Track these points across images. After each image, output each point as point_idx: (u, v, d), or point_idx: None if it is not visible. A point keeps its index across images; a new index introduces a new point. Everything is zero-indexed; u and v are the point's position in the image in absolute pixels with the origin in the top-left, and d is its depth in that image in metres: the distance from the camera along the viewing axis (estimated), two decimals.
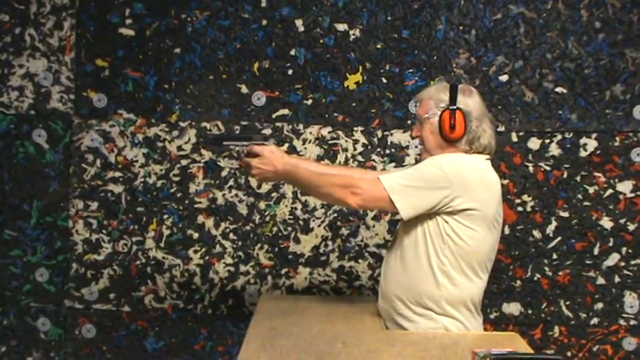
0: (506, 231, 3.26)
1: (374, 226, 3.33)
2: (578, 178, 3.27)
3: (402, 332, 2.42)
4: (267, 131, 3.29)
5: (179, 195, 3.36)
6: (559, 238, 3.29)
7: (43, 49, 3.34)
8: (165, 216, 3.37)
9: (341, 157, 3.31)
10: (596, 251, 3.29)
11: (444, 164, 2.34)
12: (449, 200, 2.32)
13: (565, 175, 3.28)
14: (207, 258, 3.37)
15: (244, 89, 3.32)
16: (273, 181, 2.66)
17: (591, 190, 3.27)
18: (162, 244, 3.37)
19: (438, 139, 2.44)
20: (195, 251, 3.37)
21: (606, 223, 3.27)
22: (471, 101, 2.43)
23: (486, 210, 2.36)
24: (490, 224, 2.39)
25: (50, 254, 3.39)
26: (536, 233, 3.30)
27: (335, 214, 3.33)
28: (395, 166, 3.29)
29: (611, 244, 3.28)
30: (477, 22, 3.26)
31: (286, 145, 3.31)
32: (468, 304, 2.41)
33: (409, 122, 3.27)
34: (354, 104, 3.30)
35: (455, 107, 2.39)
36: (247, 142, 2.52)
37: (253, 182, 3.33)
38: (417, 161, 3.26)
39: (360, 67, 3.29)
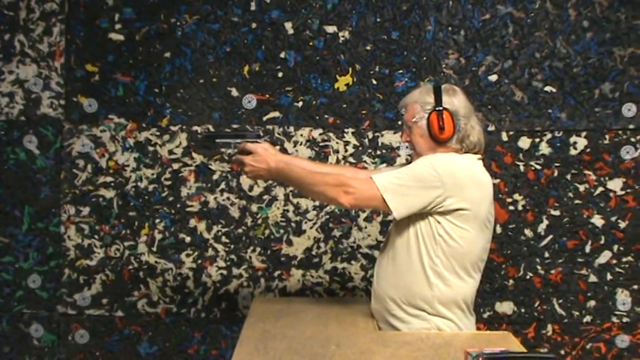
0: (498, 230, 3.27)
1: (366, 228, 3.33)
2: (568, 177, 3.29)
3: (395, 333, 2.42)
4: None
5: (171, 199, 3.36)
6: (550, 237, 3.30)
7: (33, 55, 3.33)
8: (157, 220, 3.36)
9: (332, 159, 3.31)
10: (587, 249, 3.30)
11: (436, 164, 2.34)
12: (441, 200, 2.33)
13: (556, 174, 3.29)
14: (199, 261, 3.37)
15: (235, 92, 3.33)
16: (265, 179, 2.65)
17: (582, 188, 3.29)
18: (154, 249, 3.37)
19: (428, 142, 2.44)
20: (188, 255, 3.37)
21: (597, 220, 3.29)
22: (456, 100, 2.43)
23: (478, 210, 2.37)
24: (482, 224, 2.39)
25: (42, 260, 3.38)
26: (528, 232, 3.31)
27: (327, 216, 3.33)
28: (386, 167, 3.29)
29: (602, 242, 3.29)
30: (465, 23, 3.27)
31: (277, 147, 3.31)
32: (460, 304, 2.41)
33: (400, 123, 3.28)
34: (344, 106, 3.31)
35: (441, 108, 2.40)
36: (240, 140, 2.52)
37: (245, 185, 3.34)
38: (407, 162, 3.27)
39: (350, 69, 3.30)
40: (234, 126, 3.31)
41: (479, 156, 2.46)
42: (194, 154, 3.34)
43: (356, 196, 2.38)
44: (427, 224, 2.37)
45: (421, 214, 2.37)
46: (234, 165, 2.52)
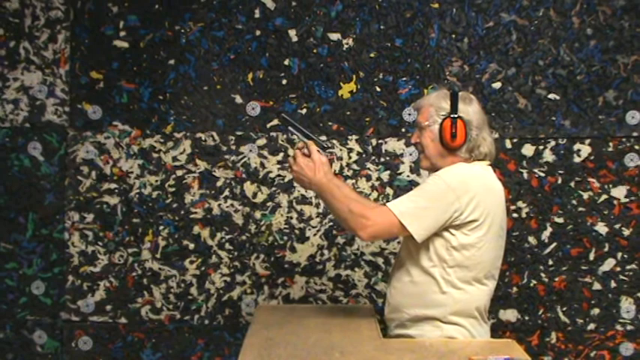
0: None
1: None
2: (572, 184, 3.28)
3: (399, 340, 2.41)
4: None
5: (175, 206, 3.36)
6: (554, 244, 3.30)
7: (38, 62, 3.34)
8: (161, 227, 3.37)
9: (336, 166, 3.31)
10: (591, 257, 3.29)
11: (447, 179, 2.32)
12: (458, 214, 2.31)
13: (559, 181, 3.29)
14: (203, 268, 3.37)
15: (239, 99, 3.33)
16: (305, 186, 2.57)
17: (586, 195, 3.28)
18: (158, 255, 3.37)
19: (438, 147, 2.42)
20: (192, 262, 3.37)
21: (601, 228, 3.28)
22: (471, 109, 2.41)
23: (493, 218, 2.35)
24: (496, 232, 2.37)
25: (46, 267, 3.38)
26: (532, 239, 3.30)
27: (330, 223, 3.33)
28: (390, 174, 3.30)
29: (606, 250, 3.29)
30: (469, 30, 3.27)
31: (281, 154, 3.32)
32: (473, 312, 2.40)
33: (403, 130, 3.29)
34: (348, 113, 3.31)
35: (456, 116, 2.37)
36: (307, 140, 2.48)
37: (249, 192, 3.34)
38: (411, 169, 3.28)
39: (354, 76, 3.30)
40: (239, 133, 3.32)
41: (488, 162, 2.45)
42: (198, 161, 3.35)
43: (374, 227, 2.32)
44: (441, 237, 2.35)
45: None
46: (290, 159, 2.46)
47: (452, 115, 2.38)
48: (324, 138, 3.30)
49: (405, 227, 2.31)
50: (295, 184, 3.25)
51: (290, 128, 2.54)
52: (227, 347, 3.38)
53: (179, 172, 3.36)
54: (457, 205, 2.29)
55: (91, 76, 3.34)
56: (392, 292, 2.51)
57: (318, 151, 2.45)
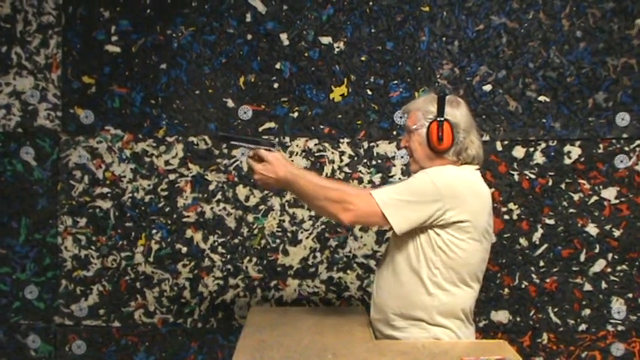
0: (493, 239, 3.28)
1: (362, 237, 3.34)
2: (563, 186, 3.30)
3: (391, 342, 2.43)
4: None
5: (167, 209, 3.37)
6: (545, 246, 3.32)
7: (30, 67, 3.35)
8: (154, 231, 3.37)
9: (327, 169, 3.32)
10: (582, 258, 3.31)
11: (434, 177, 2.34)
12: (441, 213, 2.33)
13: (550, 183, 3.31)
14: (196, 272, 3.38)
15: (230, 103, 3.34)
16: (273, 187, 2.61)
17: (576, 197, 3.30)
18: (151, 259, 3.38)
19: (426, 150, 2.45)
20: (184, 265, 3.38)
21: (592, 229, 3.30)
22: (458, 112, 2.43)
23: (478, 221, 2.37)
24: (481, 235, 2.39)
25: (39, 271, 3.38)
26: (523, 241, 3.32)
27: (323, 226, 3.34)
28: (381, 177, 3.31)
29: (597, 251, 3.30)
30: (459, 33, 3.29)
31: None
32: (459, 314, 2.42)
33: (395, 133, 3.30)
34: (339, 116, 3.33)
35: (443, 119, 2.40)
36: (254, 146, 2.52)
37: (241, 195, 3.35)
38: (403, 172, 3.29)
39: (345, 80, 3.32)
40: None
41: (476, 166, 2.47)
42: (190, 165, 3.35)
43: (356, 212, 2.36)
44: (427, 236, 2.37)
45: (420, 227, 2.37)
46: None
47: (439, 119, 2.40)
48: (315, 141, 3.32)
49: (386, 218, 2.34)
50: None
51: (233, 143, 2.58)
52: (220, 350, 3.39)
53: (171, 176, 3.36)
54: (440, 204, 2.31)
55: (83, 81, 3.35)
56: (377, 291, 2.53)
57: (268, 149, 2.49)
